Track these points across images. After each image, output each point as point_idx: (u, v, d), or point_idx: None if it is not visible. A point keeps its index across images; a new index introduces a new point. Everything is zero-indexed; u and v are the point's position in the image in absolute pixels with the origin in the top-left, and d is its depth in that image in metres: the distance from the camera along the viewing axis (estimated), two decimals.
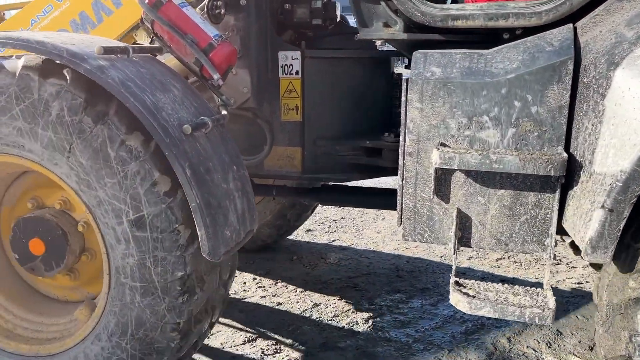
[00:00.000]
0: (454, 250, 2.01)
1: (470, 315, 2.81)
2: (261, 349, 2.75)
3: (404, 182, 2.06)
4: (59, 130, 1.86)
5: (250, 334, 2.89)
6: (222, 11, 2.37)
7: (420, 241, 2.09)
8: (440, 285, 3.43)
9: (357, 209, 4.78)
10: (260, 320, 3.05)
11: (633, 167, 1.47)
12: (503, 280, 3.45)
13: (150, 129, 1.80)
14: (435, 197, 2.01)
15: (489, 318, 2.74)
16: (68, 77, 1.87)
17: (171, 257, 1.89)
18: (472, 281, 1.96)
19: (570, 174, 1.81)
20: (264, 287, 3.47)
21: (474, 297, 1.86)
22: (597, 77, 1.73)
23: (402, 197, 2.08)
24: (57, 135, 1.86)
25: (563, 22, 1.91)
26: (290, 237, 4.25)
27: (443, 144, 1.95)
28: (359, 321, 3.04)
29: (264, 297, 3.33)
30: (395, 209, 3.21)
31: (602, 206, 1.53)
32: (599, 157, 1.65)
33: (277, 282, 3.53)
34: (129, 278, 1.93)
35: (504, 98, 1.88)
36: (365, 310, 3.16)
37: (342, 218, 4.79)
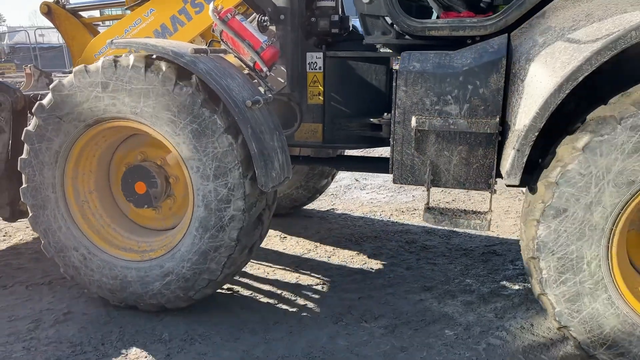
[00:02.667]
0: (428, 189, 2.92)
1: None
2: (438, 295, 3.50)
3: (394, 142, 2.97)
4: (154, 97, 2.81)
5: (428, 283, 3.67)
6: (268, 23, 3.32)
7: (405, 183, 2.99)
8: None
9: (464, 192, 5.62)
10: (431, 275, 3.82)
11: (530, 123, 2.37)
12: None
13: (225, 102, 2.75)
14: (415, 152, 2.91)
15: None
16: (164, 68, 2.82)
17: (210, 122, 2.78)
18: (440, 207, 2.88)
19: (504, 134, 2.71)
20: (415, 252, 4.26)
21: (438, 215, 2.77)
22: (520, 68, 2.62)
23: (392, 153, 2.99)
24: (157, 103, 2.81)
25: (502, 32, 2.81)
26: (414, 216, 5.09)
27: (418, 115, 2.86)
28: (512, 277, 3.70)
29: (420, 259, 4.10)
30: (381, 172, 4.09)
31: (513, 148, 2.44)
32: (517, 120, 2.55)
33: (425, 249, 4.29)
34: (194, 151, 2.82)
35: (461, 83, 2.78)
36: (512, 270, 3.86)
37: (453, 200, 5.57)
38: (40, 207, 3.22)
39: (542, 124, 2.36)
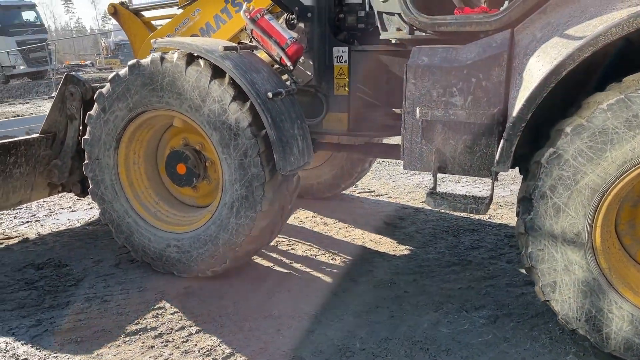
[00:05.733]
0: (434, 175, 3.12)
1: None
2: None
3: (404, 131, 3.19)
4: (195, 90, 3.22)
5: (531, 278, 3.49)
6: (296, 21, 3.63)
7: (414, 170, 3.21)
8: None
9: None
10: (523, 274, 3.75)
11: (517, 115, 2.52)
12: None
13: (248, 94, 3.10)
14: (423, 140, 3.12)
15: None
16: (202, 64, 3.21)
17: (238, 116, 3.15)
18: (441, 192, 3.08)
19: (504, 125, 2.85)
20: (515, 246, 4.22)
21: (438, 199, 2.98)
22: (520, 62, 2.76)
23: (403, 141, 3.21)
24: (193, 94, 3.21)
25: (506, 28, 2.94)
26: (513, 211, 5.04)
27: (426, 106, 3.06)
28: None
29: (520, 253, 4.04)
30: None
31: (503, 137, 2.60)
32: (513, 111, 2.69)
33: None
34: (224, 143, 3.22)
35: (465, 76, 2.94)
36: None
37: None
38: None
39: (529, 116, 2.50)
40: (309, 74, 3.79)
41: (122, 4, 4.75)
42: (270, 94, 3.14)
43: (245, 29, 3.51)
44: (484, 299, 3.39)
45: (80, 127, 4.34)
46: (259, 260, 3.99)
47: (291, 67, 3.42)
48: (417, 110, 3.03)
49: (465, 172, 3.06)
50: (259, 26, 3.39)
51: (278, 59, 3.43)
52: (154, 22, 4.89)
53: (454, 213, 4.99)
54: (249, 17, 3.40)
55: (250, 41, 3.69)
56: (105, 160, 3.66)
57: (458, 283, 3.62)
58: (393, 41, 3.43)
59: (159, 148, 3.84)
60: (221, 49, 3.18)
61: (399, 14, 3.25)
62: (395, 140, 4.89)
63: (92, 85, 4.37)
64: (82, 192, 4.58)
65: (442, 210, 4.89)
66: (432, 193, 3.07)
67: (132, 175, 3.74)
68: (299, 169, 3.32)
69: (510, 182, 5.99)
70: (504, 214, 5.04)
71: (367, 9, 3.86)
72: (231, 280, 3.68)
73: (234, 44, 3.42)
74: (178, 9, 4.47)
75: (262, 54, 3.64)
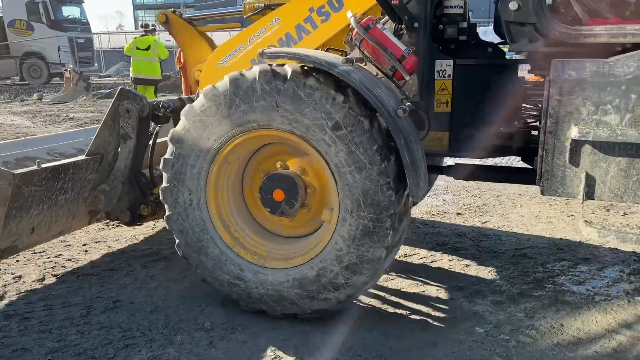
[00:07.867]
0: (582, 201, 2.82)
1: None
2: (469, 294, 3.56)
3: (544, 152, 2.88)
4: (311, 109, 2.80)
5: (460, 283, 3.72)
6: (404, 32, 3.29)
7: (555, 195, 2.91)
8: (598, 257, 3.92)
9: (494, 197, 5.68)
10: (462, 275, 3.88)
11: None
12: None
13: (379, 111, 2.73)
14: (568, 163, 2.82)
15: None
16: (322, 79, 2.81)
17: (365, 139, 2.74)
18: (598, 221, 2.77)
19: None
20: (447, 254, 4.30)
21: (602, 230, 2.67)
22: None
23: (541, 164, 2.90)
24: (313, 115, 2.80)
25: None
26: (445, 220, 5.17)
27: (574, 125, 2.77)
28: (542, 280, 3.73)
29: (451, 260, 4.17)
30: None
31: None
32: None
33: (456, 251, 4.32)
34: (346, 166, 2.78)
35: (623, 92, 2.67)
36: (542, 272, 3.86)
37: (483, 205, 5.60)
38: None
39: None
40: (413, 89, 3.45)
41: (174, 12, 4.30)
42: (400, 111, 2.78)
43: (353, 39, 3.14)
44: (415, 304, 3.48)
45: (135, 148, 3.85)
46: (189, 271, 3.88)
47: (409, 81, 3.07)
48: (564, 129, 2.73)
49: (618, 197, 2.78)
50: (371, 36, 3.03)
51: (391, 73, 3.07)
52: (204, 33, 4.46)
53: None
54: (361, 25, 3.03)
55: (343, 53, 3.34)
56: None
57: (391, 290, 3.68)
58: (523, 54, 3.13)
59: (245, 172, 3.38)
60: (342, 61, 2.80)
61: (533, 24, 2.96)
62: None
63: (149, 101, 3.91)
64: (132, 221, 4.06)
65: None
66: (589, 223, 2.76)
67: (220, 202, 3.26)
68: (424, 196, 2.96)
69: (442, 192, 6.09)
70: (437, 222, 5.14)
71: (468, 20, 3.58)
72: (162, 293, 3.63)
73: (350, 57, 3.04)
74: (246, 18, 4.07)
75: (365, 66, 3.27)
